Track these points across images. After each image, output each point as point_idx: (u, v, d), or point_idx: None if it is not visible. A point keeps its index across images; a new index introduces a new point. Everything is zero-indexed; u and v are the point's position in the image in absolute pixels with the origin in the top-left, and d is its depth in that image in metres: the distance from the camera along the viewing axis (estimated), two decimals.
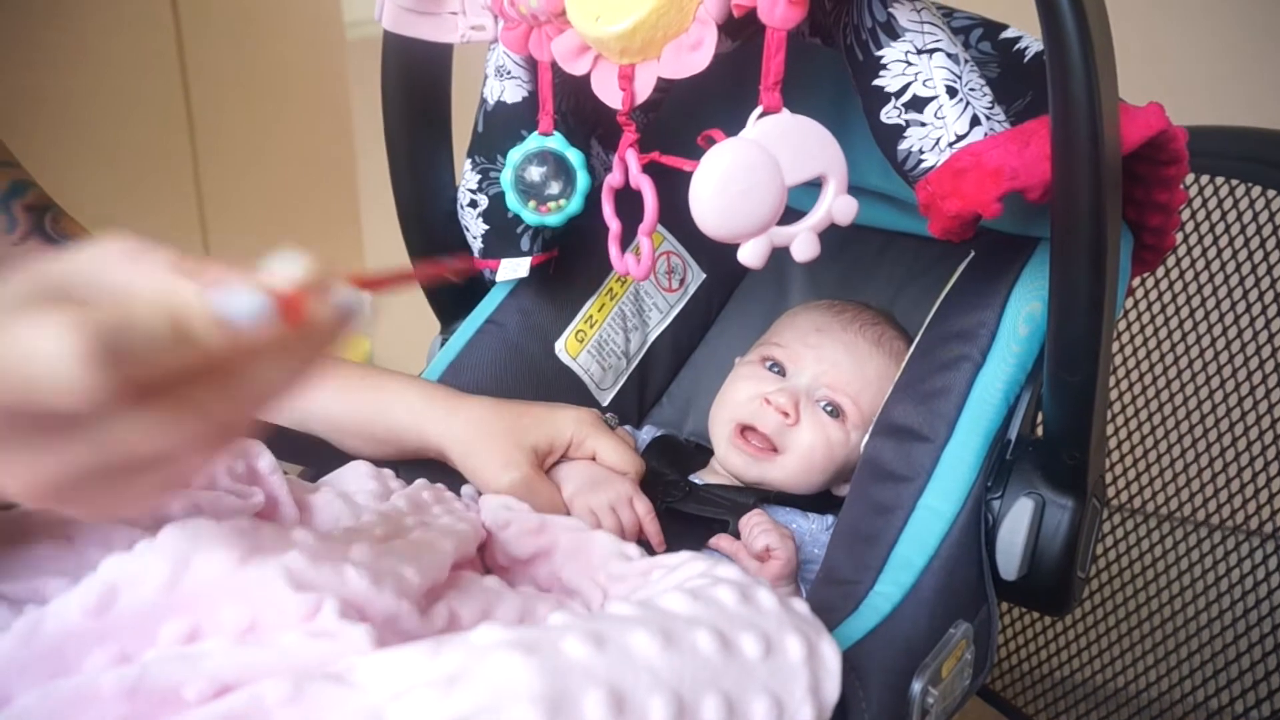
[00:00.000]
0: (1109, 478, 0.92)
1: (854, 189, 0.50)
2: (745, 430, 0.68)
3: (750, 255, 0.50)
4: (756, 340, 0.77)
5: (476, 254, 0.72)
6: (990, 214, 0.51)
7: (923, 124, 0.53)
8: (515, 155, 0.64)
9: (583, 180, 0.63)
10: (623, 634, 0.34)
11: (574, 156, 0.63)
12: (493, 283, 0.76)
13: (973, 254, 0.66)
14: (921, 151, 0.53)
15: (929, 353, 0.61)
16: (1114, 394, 0.91)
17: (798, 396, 0.68)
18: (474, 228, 0.71)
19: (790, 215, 0.50)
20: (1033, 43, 0.59)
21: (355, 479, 0.57)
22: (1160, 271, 0.88)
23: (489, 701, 0.31)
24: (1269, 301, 0.81)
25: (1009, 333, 0.59)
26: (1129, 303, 0.90)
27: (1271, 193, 0.79)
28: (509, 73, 0.65)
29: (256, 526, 0.39)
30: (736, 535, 0.64)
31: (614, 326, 0.78)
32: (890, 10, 0.53)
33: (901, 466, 0.57)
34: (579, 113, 0.67)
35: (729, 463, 0.69)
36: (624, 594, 0.46)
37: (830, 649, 0.39)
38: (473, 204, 0.70)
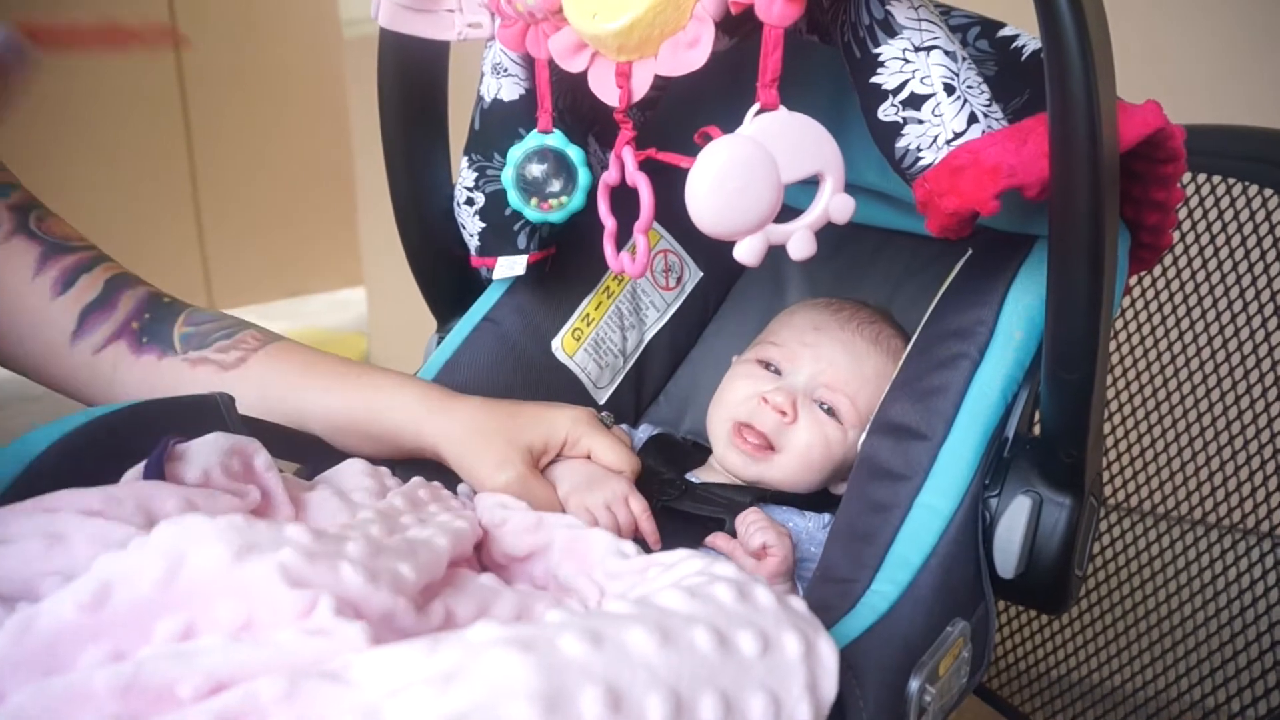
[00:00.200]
0: (1105, 477, 0.92)
1: (851, 187, 0.50)
2: (743, 429, 0.68)
3: (746, 253, 0.50)
4: (753, 339, 0.77)
5: (473, 252, 0.71)
6: (988, 211, 0.51)
7: (920, 121, 0.53)
8: (516, 153, 0.64)
9: (584, 176, 0.63)
10: (620, 631, 0.34)
11: (574, 153, 0.63)
12: (489, 281, 0.76)
13: (970, 252, 0.66)
14: (919, 149, 0.53)
15: (926, 351, 0.61)
16: (1111, 393, 0.91)
17: (795, 395, 0.68)
18: (470, 225, 0.70)
19: (787, 214, 0.50)
20: (1030, 41, 0.59)
21: (351, 476, 0.57)
22: (1157, 271, 0.88)
23: (486, 699, 0.31)
24: (1265, 301, 0.81)
25: (1007, 331, 0.59)
26: (1126, 302, 0.90)
27: (1269, 192, 0.79)
28: (506, 70, 0.65)
29: (251, 523, 0.38)
30: (733, 534, 0.64)
31: (611, 325, 0.78)
32: (888, 8, 0.53)
33: (899, 465, 0.57)
34: (576, 110, 0.67)
35: (727, 462, 0.69)
36: (621, 592, 0.46)
37: (828, 647, 0.39)
38: (469, 201, 0.70)
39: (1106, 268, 0.47)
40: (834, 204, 0.50)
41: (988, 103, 0.53)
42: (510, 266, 0.71)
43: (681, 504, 0.67)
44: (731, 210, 0.49)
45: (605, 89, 0.54)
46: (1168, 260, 0.87)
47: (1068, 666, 0.95)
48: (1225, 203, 0.83)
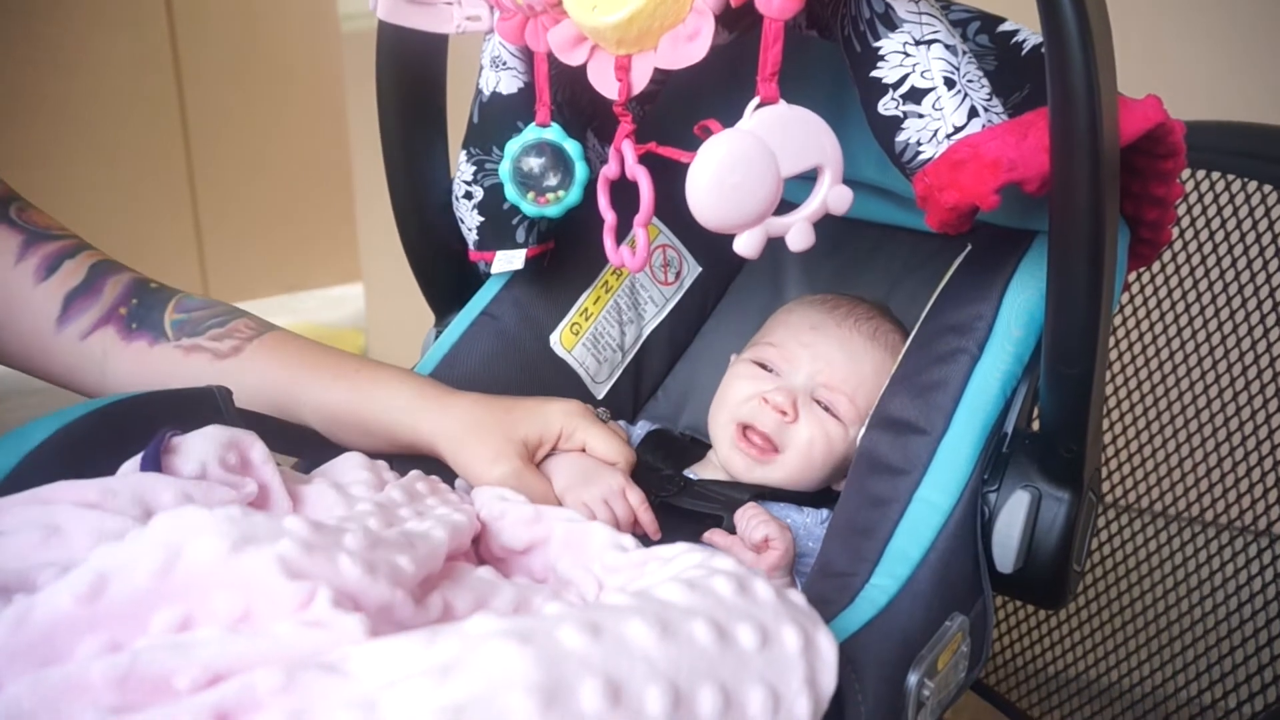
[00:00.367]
0: (1102, 474, 0.93)
1: (850, 182, 0.50)
2: (746, 430, 0.68)
3: (746, 245, 0.50)
4: (752, 335, 0.77)
5: (471, 246, 0.71)
6: (988, 205, 0.51)
7: (920, 115, 0.53)
8: (513, 147, 0.64)
9: (581, 171, 0.63)
10: (619, 624, 0.34)
11: (572, 147, 0.63)
12: (488, 275, 0.75)
13: (969, 248, 0.66)
14: (919, 143, 0.53)
15: (925, 346, 0.61)
16: (1109, 390, 0.91)
17: (795, 395, 0.68)
18: (469, 220, 0.70)
19: (785, 208, 0.50)
20: (1030, 36, 0.58)
21: (349, 470, 0.57)
22: (1156, 267, 0.88)
23: (484, 690, 0.31)
24: (1264, 297, 0.81)
25: (1006, 326, 0.59)
26: (1124, 298, 0.90)
27: (1268, 188, 0.79)
28: (505, 63, 0.65)
29: (249, 515, 0.38)
30: (731, 530, 0.64)
31: (609, 320, 0.78)
32: (888, 2, 0.52)
33: (898, 459, 0.57)
34: (575, 104, 0.66)
35: (731, 465, 0.69)
36: (619, 585, 0.46)
37: (827, 641, 0.39)
38: (468, 195, 0.69)
39: (1106, 261, 0.47)
40: (832, 195, 0.50)
41: (988, 97, 0.53)
42: (509, 261, 0.70)
43: (679, 500, 0.67)
44: (731, 204, 0.49)
45: (605, 82, 0.54)
46: (1166, 256, 0.87)
47: (1065, 663, 0.95)
48: (1224, 199, 0.83)
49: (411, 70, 0.68)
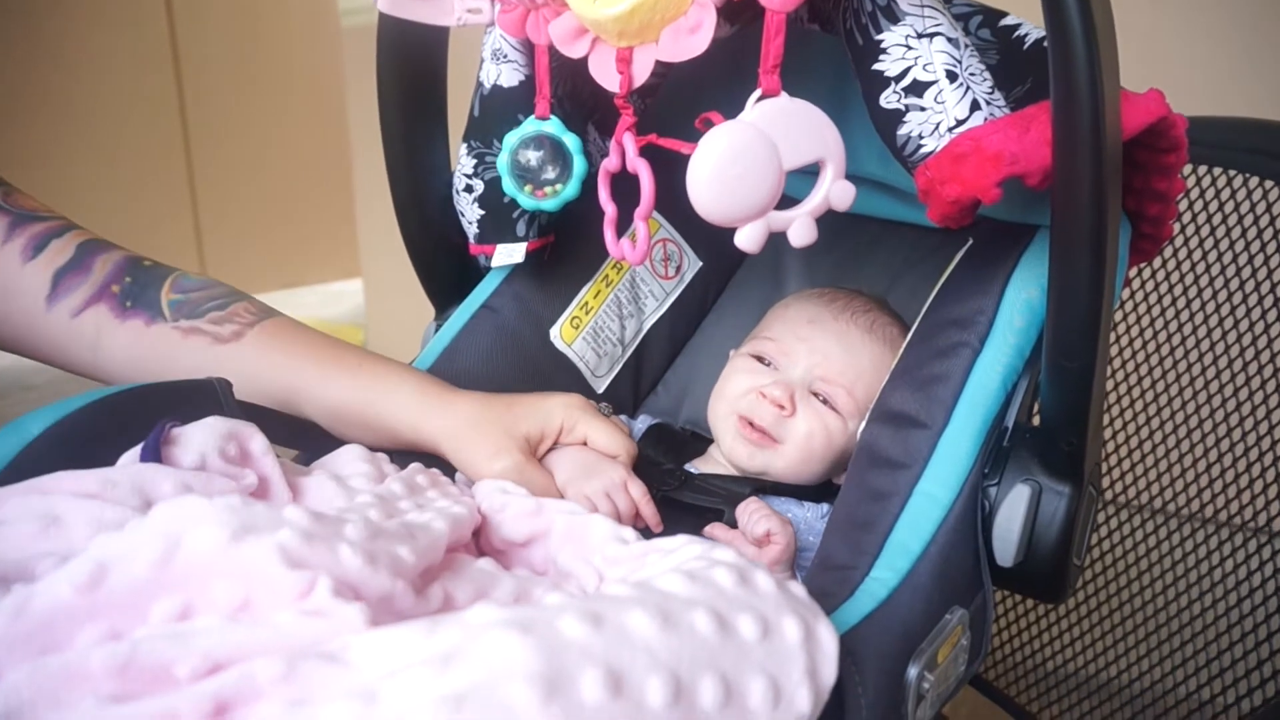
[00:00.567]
0: (1103, 470, 0.93)
1: (851, 177, 0.50)
2: (743, 423, 0.68)
3: (747, 239, 0.50)
4: (752, 330, 0.77)
5: (472, 239, 0.71)
6: (990, 199, 0.50)
7: (922, 109, 0.53)
8: (512, 139, 0.64)
9: (579, 165, 0.63)
10: (620, 614, 0.34)
11: (570, 141, 0.63)
12: (488, 269, 0.75)
13: (970, 242, 0.66)
14: (921, 136, 0.53)
15: (926, 340, 0.61)
16: (1110, 387, 0.91)
17: (792, 389, 0.68)
18: (469, 213, 0.70)
19: (786, 204, 0.50)
20: (1032, 30, 0.58)
21: (349, 462, 0.57)
22: (1157, 263, 0.88)
23: (485, 679, 0.31)
24: (1265, 293, 0.81)
25: (1007, 320, 0.59)
26: (1125, 294, 0.90)
27: (1269, 184, 0.79)
28: (505, 56, 0.65)
29: (249, 504, 0.38)
30: (732, 524, 0.64)
31: (610, 314, 0.78)
32: None
33: (899, 453, 0.57)
34: (576, 97, 0.66)
35: (734, 455, 0.69)
36: (620, 577, 0.46)
37: (827, 632, 0.39)
38: (468, 189, 0.69)
39: (1108, 255, 0.47)
40: (835, 190, 0.50)
41: (990, 90, 0.53)
42: (509, 254, 0.70)
43: (680, 494, 0.67)
44: (733, 196, 0.48)
45: (606, 75, 0.54)
46: (1167, 252, 0.87)
47: (1064, 658, 0.95)
48: (1225, 194, 0.83)
49: (412, 63, 0.68)
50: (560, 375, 0.75)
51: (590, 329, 0.76)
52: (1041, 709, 0.93)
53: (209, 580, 0.36)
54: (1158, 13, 1.12)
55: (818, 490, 0.69)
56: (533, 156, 0.64)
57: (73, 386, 0.63)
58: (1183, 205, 0.85)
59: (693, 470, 0.71)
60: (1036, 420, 0.58)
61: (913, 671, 0.48)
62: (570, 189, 0.64)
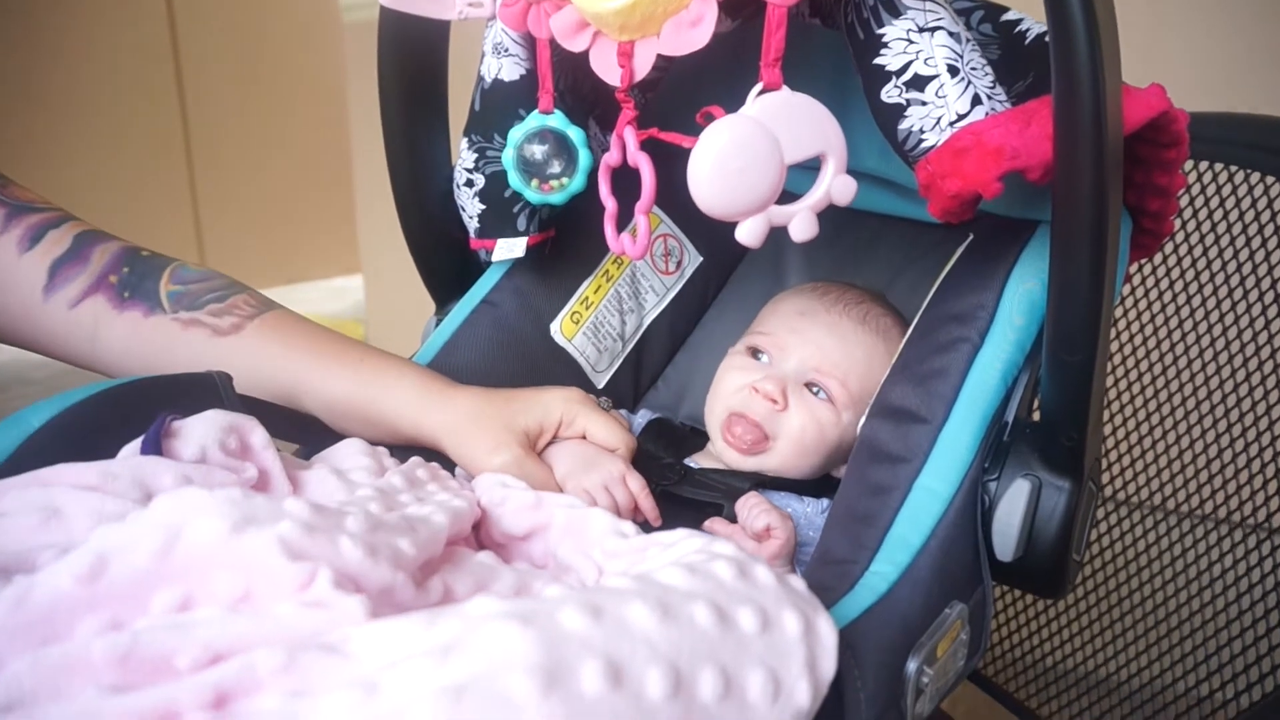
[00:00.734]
0: (1102, 467, 0.93)
1: (852, 172, 0.50)
2: (734, 422, 0.68)
3: (748, 234, 0.50)
4: (749, 326, 0.77)
5: (473, 234, 0.71)
6: (990, 194, 0.50)
7: (924, 103, 0.52)
8: (516, 134, 0.64)
9: (584, 158, 0.63)
10: (620, 606, 0.34)
11: (575, 134, 0.63)
12: (488, 263, 0.75)
13: (971, 237, 0.66)
14: (922, 131, 0.53)
15: (927, 334, 0.61)
16: (1109, 384, 0.91)
17: (784, 383, 0.68)
18: (470, 207, 0.70)
19: (787, 199, 0.50)
20: (1034, 25, 0.58)
21: (349, 456, 0.57)
22: (1158, 259, 0.88)
23: (485, 671, 0.31)
24: (1266, 289, 0.81)
25: (1007, 315, 0.59)
26: (1125, 290, 0.90)
27: (1270, 179, 0.79)
28: (507, 50, 0.64)
29: (249, 496, 0.38)
30: (732, 519, 0.64)
31: (610, 309, 0.78)
32: None
33: (899, 448, 0.57)
34: (577, 91, 0.66)
35: (726, 456, 0.70)
36: (620, 570, 0.46)
37: (827, 626, 0.39)
38: (469, 183, 0.69)
39: (1109, 250, 0.47)
40: (836, 185, 0.50)
41: (991, 84, 0.53)
42: (509, 249, 0.70)
43: (680, 488, 0.67)
44: (733, 191, 0.48)
45: (607, 69, 0.54)
46: (1168, 249, 0.87)
47: (1063, 654, 0.95)
48: (1226, 190, 0.83)
49: (413, 57, 0.68)
50: (560, 370, 0.75)
51: (591, 324, 0.76)
52: (1040, 705, 0.93)
53: (209, 571, 0.36)
54: (1158, 9, 1.12)
55: (818, 485, 0.69)
56: (538, 151, 0.64)
57: (72, 381, 0.63)
58: (1183, 201, 0.85)
59: (692, 465, 0.71)
60: (1037, 415, 0.58)
61: (912, 665, 0.48)
62: (576, 182, 0.64)
